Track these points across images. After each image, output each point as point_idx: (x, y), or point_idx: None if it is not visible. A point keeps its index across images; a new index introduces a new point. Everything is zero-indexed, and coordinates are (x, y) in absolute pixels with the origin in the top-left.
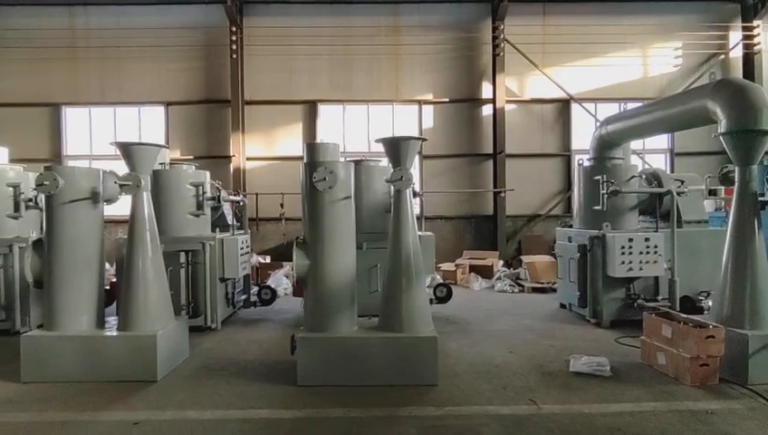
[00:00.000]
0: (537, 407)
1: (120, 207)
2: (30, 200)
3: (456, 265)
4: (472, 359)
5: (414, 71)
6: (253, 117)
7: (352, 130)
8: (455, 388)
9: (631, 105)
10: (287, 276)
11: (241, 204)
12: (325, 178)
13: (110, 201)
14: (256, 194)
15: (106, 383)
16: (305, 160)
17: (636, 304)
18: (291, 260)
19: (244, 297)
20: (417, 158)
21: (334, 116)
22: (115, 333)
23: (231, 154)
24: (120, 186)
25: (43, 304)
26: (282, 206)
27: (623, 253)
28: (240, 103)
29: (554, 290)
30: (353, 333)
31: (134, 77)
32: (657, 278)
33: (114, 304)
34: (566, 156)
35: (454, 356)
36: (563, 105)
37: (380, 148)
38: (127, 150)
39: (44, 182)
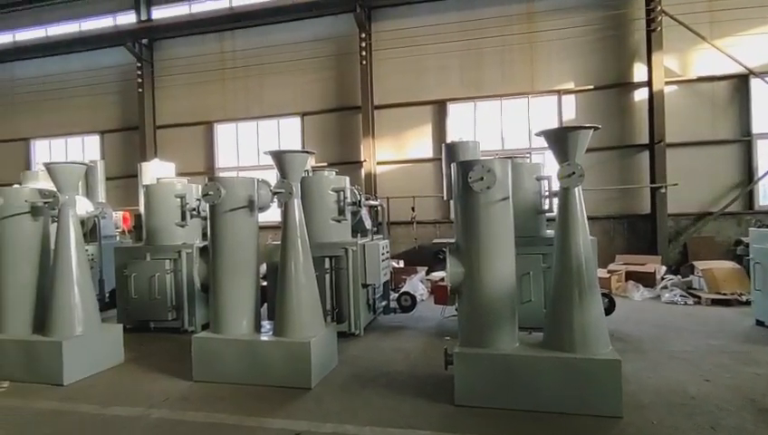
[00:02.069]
0: None
1: (267, 214)
2: (194, 210)
3: (610, 272)
4: (656, 386)
5: (551, 59)
6: (382, 121)
7: (484, 127)
8: (645, 422)
9: None
10: (422, 281)
11: (378, 208)
12: (482, 178)
13: (262, 209)
14: (387, 198)
15: (265, 387)
16: (447, 160)
17: None
18: (424, 265)
19: (384, 304)
20: None
21: (464, 114)
22: (271, 339)
23: (362, 159)
24: (274, 193)
25: (209, 308)
26: (413, 209)
27: None
28: (370, 108)
29: (743, 303)
30: (516, 350)
31: (273, 91)
32: None
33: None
34: (745, 141)
35: (633, 381)
36: (740, 81)
37: (516, 144)
38: (279, 158)
39: (209, 192)
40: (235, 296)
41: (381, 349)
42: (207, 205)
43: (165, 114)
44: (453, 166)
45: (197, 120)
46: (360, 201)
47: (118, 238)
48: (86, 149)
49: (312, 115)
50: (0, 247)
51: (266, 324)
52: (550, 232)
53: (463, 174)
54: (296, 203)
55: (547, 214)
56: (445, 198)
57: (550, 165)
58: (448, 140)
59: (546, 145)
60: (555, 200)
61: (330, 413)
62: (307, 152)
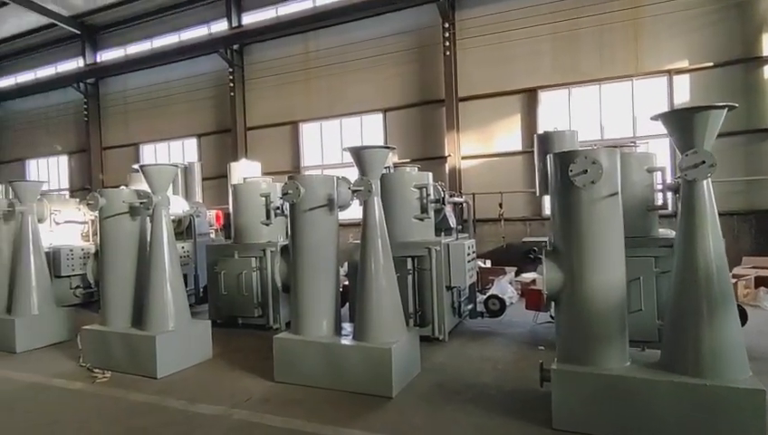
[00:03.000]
0: None
1: (349, 211)
2: (278, 208)
3: (735, 277)
4: None
5: (660, 35)
6: (467, 113)
7: (580, 115)
8: None
9: None
10: (511, 283)
11: (463, 205)
12: (586, 171)
13: (342, 207)
14: (473, 194)
15: (344, 393)
16: (539, 153)
17: None
18: (512, 265)
19: (470, 307)
20: (669, 142)
21: (558, 102)
22: (351, 343)
23: (446, 154)
24: (353, 191)
25: (290, 308)
26: (500, 206)
27: None
28: (454, 101)
29: None
30: (627, 370)
31: (355, 88)
32: None
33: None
34: None
35: None
36: None
37: (617, 133)
38: (358, 155)
39: (289, 191)
40: (315, 297)
41: (467, 357)
42: (287, 204)
43: (254, 116)
44: (549, 158)
45: (284, 120)
46: (443, 198)
47: (212, 236)
48: (185, 151)
49: (394, 111)
50: (103, 245)
51: (347, 327)
52: (662, 231)
53: (561, 167)
54: (376, 201)
55: (659, 211)
56: (537, 194)
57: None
58: (540, 131)
59: (653, 133)
60: (669, 195)
61: (411, 428)
62: (387, 148)
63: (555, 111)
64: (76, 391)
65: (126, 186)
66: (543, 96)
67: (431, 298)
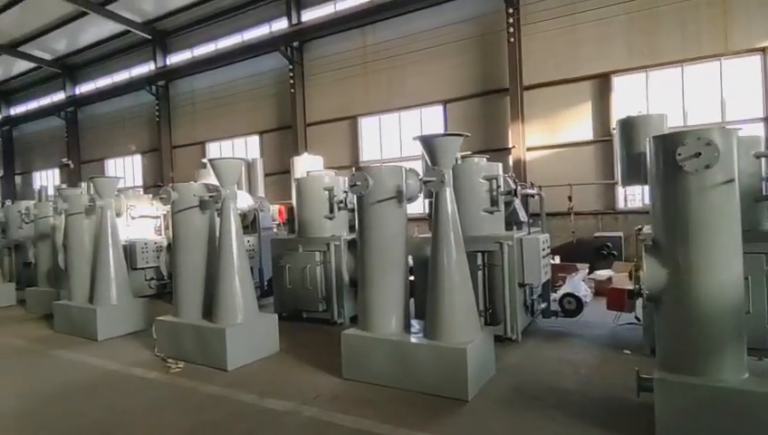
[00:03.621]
0: None
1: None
2: (340, 202)
3: None
4: None
5: (751, 9)
6: (532, 103)
7: (659, 101)
8: None
9: None
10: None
11: (535, 197)
12: (698, 155)
13: (411, 199)
14: (539, 186)
15: (415, 394)
16: (622, 139)
17: None
18: (583, 261)
19: (543, 305)
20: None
21: (634, 88)
22: (422, 341)
23: (510, 145)
24: (425, 182)
25: (357, 303)
26: (569, 199)
27: None
28: (519, 90)
29: None
30: (746, 383)
31: (415, 81)
32: None
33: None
34: None
35: None
36: None
37: (703, 119)
38: (429, 144)
39: (357, 183)
40: (384, 292)
41: (544, 358)
42: (355, 196)
43: (314, 112)
44: (648, 141)
45: (343, 115)
46: (515, 190)
47: (275, 230)
48: (248, 148)
49: (455, 102)
50: (176, 238)
51: (415, 324)
52: None
53: (664, 151)
54: (448, 192)
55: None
56: (621, 185)
57: None
58: (615, 118)
59: (744, 118)
60: None
61: None
62: (459, 135)
63: (631, 97)
64: (152, 380)
65: (195, 181)
66: (617, 81)
67: (503, 296)
